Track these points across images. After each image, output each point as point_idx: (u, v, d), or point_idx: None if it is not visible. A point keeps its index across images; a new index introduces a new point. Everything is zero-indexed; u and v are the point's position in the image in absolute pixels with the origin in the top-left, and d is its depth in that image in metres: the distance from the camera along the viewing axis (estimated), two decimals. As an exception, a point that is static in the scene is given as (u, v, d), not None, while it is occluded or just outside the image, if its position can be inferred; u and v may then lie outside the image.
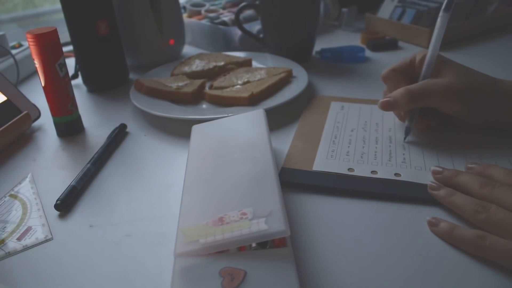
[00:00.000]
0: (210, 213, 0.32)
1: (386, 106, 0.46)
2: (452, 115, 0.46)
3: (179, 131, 0.52)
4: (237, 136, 0.42)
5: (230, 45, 0.80)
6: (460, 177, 0.37)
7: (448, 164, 0.42)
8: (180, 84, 0.60)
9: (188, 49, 0.84)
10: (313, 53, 0.75)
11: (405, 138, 0.47)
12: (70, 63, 0.65)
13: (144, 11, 0.70)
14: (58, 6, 0.62)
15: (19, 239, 0.37)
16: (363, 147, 0.46)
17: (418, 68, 0.47)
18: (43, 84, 0.50)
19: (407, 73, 0.48)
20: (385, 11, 0.85)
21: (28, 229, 0.38)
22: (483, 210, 0.33)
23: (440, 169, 0.39)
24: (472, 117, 0.46)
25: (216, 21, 0.83)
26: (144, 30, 0.71)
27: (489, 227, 0.32)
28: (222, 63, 0.67)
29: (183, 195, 0.35)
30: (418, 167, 0.42)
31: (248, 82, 0.60)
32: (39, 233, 0.37)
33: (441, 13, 0.45)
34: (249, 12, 0.84)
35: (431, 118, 0.47)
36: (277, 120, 0.53)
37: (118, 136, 0.52)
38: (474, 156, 0.43)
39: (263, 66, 0.67)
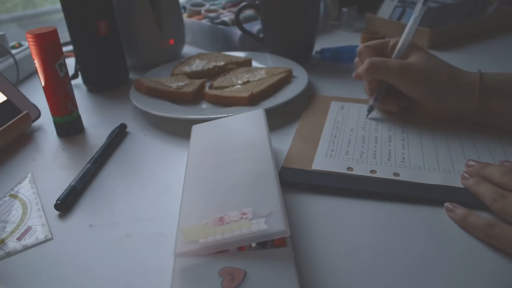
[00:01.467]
0: (210, 213, 0.32)
1: (354, 76, 0.52)
2: (414, 98, 0.49)
3: (179, 131, 0.52)
4: (237, 136, 0.42)
5: (230, 45, 0.80)
6: (487, 168, 0.39)
7: (448, 163, 0.42)
8: (180, 84, 0.60)
9: (188, 49, 0.84)
10: (313, 53, 0.75)
11: (367, 115, 0.52)
12: (70, 63, 0.65)
13: (144, 11, 0.70)
14: (58, 6, 0.62)
15: (19, 239, 0.37)
16: (363, 146, 0.46)
17: (390, 52, 0.51)
18: (43, 84, 0.50)
19: (378, 52, 0.52)
20: (385, 11, 0.85)
21: (28, 229, 0.38)
22: (501, 199, 0.34)
23: (473, 163, 0.41)
24: (431, 102, 0.48)
25: (216, 21, 0.83)
26: (144, 30, 0.71)
27: (505, 215, 0.34)
28: (222, 63, 0.67)
29: (183, 195, 0.35)
30: (417, 167, 0.42)
31: (248, 82, 0.60)
32: (39, 233, 0.37)
33: (419, 5, 0.49)
34: (249, 12, 0.84)
35: (391, 103, 0.51)
36: (277, 120, 0.53)
37: (118, 136, 0.52)
38: (473, 153, 0.43)
39: (263, 66, 0.67)
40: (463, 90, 0.46)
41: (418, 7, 0.49)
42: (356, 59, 0.54)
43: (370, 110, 0.52)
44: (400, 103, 0.52)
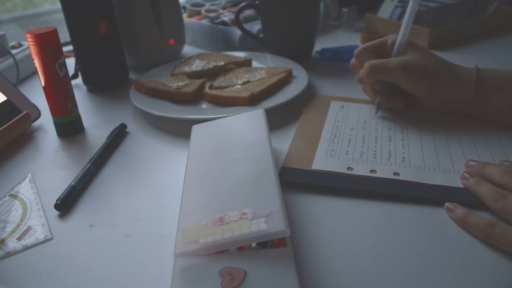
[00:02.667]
0: (210, 213, 0.32)
1: (357, 80, 0.53)
2: (415, 94, 0.50)
3: (179, 131, 0.52)
4: (237, 136, 0.42)
5: (230, 45, 0.80)
6: (486, 168, 0.39)
7: (448, 163, 0.42)
8: (180, 84, 0.60)
9: (188, 49, 0.84)
10: (313, 53, 0.75)
11: (376, 112, 0.52)
12: (70, 63, 0.65)
13: (144, 11, 0.70)
14: (58, 6, 0.62)
15: (19, 239, 0.37)
16: (363, 146, 0.46)
17: (389, 50, 0.52)
18: (43, 84, 0.50)
19: (377, 51, 0.53)
20: (385, 11, 0.85)
21: (28, 229, 0.38)
22: (501, 199, 0.35)
23: (473, 163, 0.41)
24: (431, 97, 0.50)
25: (216, 21, 0.83)
26: (144, 30, 0.71)
27: (505, 215, 0.34)
28: (222, 63, 0.67)
29: (183, 195, 0.35)
30: (418, 166, 0.42)
31: (248, 82, 0.60)
32: (39, 233, 0.37)
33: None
34: (249, 12, 0.84)
35: (397, 101, 0.52)
36: (277, 120, 0.53)
37: (118, 136, 0.52)
38: (473, 153, 0.43)
39: (263, 66, 0.67)
40: (460, 85, 0.47)
41: (412, 0, 0.50)
42: (353, 60, 0.54)
43: (378, 107, 0.52)
44: (401, 101, 0.52)
